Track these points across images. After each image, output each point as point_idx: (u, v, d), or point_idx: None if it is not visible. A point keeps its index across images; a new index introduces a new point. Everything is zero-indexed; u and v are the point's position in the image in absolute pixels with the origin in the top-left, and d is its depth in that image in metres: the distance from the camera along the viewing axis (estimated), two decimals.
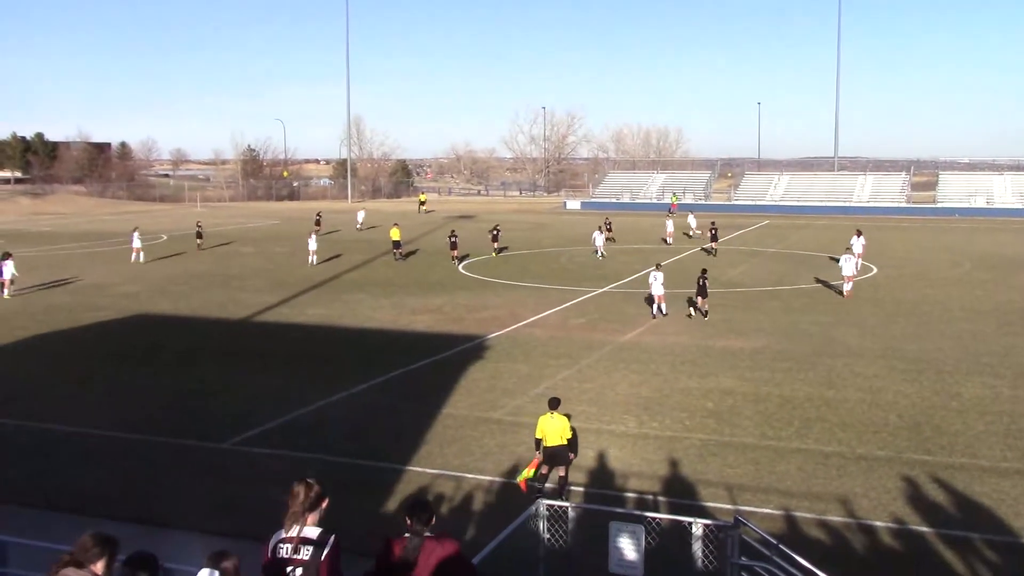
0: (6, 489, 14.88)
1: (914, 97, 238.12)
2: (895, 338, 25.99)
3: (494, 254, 48.29)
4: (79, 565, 6.23)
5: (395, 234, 47.57)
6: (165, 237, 60.22)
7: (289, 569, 6.43)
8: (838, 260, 35.61)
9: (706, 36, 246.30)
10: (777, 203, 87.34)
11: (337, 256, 47.83)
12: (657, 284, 29.37)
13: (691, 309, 29.36)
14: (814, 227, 65.35)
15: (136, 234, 46.60)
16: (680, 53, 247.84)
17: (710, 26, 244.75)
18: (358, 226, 65.76)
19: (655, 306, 29.51)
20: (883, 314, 29.91)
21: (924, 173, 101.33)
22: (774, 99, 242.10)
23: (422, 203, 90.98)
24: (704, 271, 30.21)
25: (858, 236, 41.47)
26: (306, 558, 6.42)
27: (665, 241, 54.20)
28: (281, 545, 6.51)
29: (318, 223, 60.68)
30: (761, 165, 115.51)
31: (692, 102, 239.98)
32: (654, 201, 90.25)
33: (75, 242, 56.84)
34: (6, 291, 35.01)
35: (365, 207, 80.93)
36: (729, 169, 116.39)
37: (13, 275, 35.43)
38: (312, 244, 45.24)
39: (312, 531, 6.53)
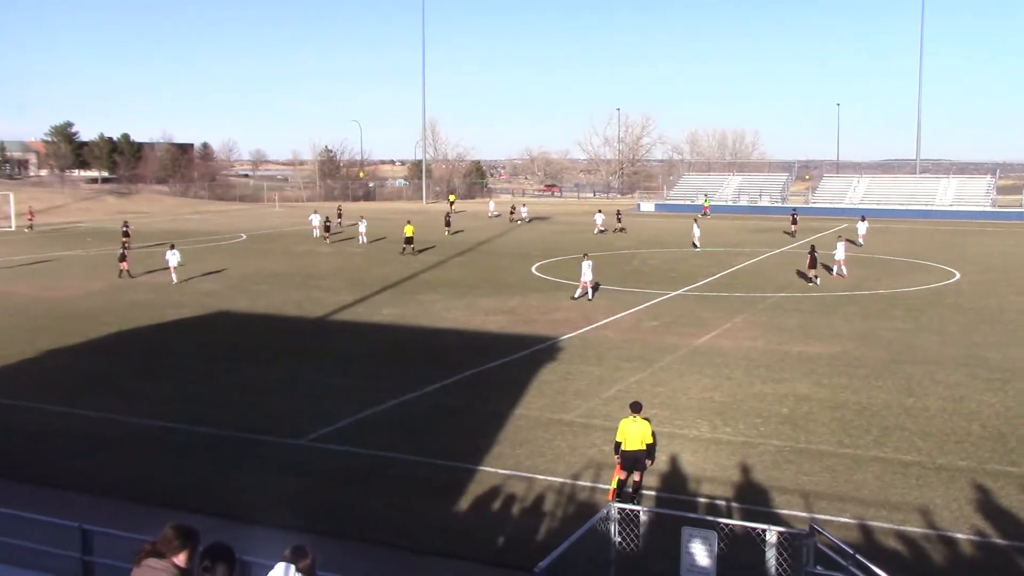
0: (90, 479, 15.39)
1: (1000, 97, 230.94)
2: (978, 346, 25.29)
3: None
4: (160, 555, 6.38)
5: (408, 231, 50.24)
6: (244, 236, 61.45)
7: None
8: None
9: (784, 36, 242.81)
10: (856, 206, 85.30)
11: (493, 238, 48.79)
12: (588, 271, 33.40)
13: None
14: (894, 231, 63.75)
15: (316, 216, 59.80)
16: (757, 54, 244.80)
17: (788, 26, 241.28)
18: (599, 230, 61.92)
19: (579, 291, 33.69)
20: (965, 321, 29.12)
21: (1011, 176, 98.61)
22: (854, 100, 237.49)
23: (451, 203, 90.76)
24: (813, 246, 38.33)
25: (862, 221, 53.21)
26: None
27: (694, 245, 52.48)
28: None
29: (513, 211, 69.78)
30: (840, 167, 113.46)
31: (769, 104, 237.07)
32: (729, 203, 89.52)
33: (157, 240, 58.25)
34: (175, 276, 38.74)
35: (600, 206, 77.01)
36: (807, 171, 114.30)
37: (179, 262, 39.18)
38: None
39: None
